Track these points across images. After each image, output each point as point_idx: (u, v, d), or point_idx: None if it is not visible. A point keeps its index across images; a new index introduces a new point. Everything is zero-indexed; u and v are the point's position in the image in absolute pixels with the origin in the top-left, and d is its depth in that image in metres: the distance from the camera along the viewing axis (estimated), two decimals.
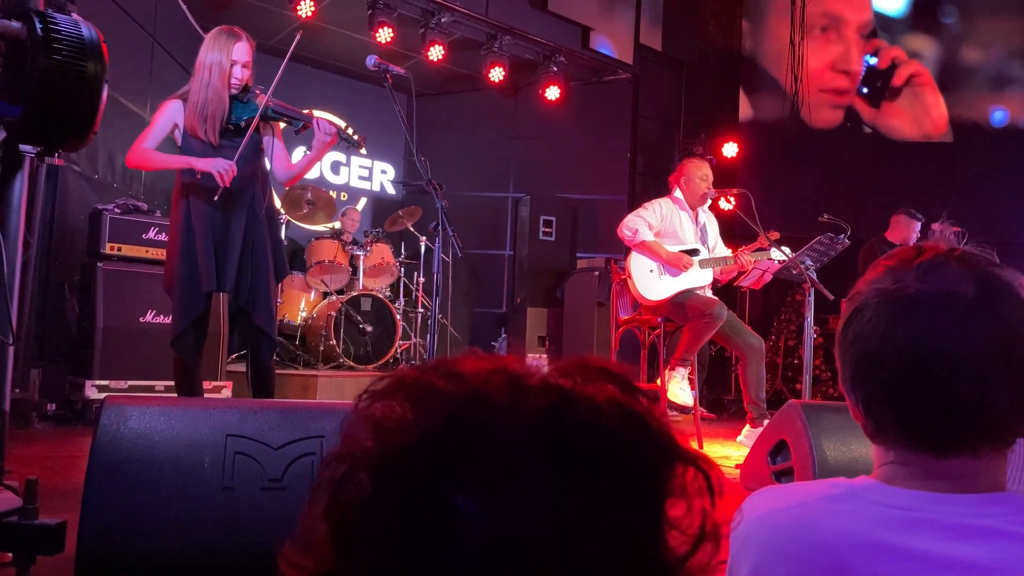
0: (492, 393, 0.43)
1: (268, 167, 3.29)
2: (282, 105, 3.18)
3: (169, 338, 3.16)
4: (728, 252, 4.70)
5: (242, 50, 3.11)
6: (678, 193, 4.71)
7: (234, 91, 3.12)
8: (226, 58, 3.08)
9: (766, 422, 4.30)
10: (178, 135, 3.16)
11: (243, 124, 3.11)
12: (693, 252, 4.60)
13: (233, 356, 5.30)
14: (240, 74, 3.11)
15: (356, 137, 3.25)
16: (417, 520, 0.39)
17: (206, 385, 4.73)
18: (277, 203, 5.04)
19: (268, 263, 3.16)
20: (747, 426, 4.44)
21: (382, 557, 0.40)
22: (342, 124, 3.45)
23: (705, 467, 0.45)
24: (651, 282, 4.54)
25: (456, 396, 0.43)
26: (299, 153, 6.22)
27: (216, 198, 3.02)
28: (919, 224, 6.02)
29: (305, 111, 3.30)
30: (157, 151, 3.12)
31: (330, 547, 0.41)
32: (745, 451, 4.02)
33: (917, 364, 0.75)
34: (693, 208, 4.70)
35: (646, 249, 4.54)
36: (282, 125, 3.27)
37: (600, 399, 0.43)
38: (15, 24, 1.67)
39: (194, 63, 3.15)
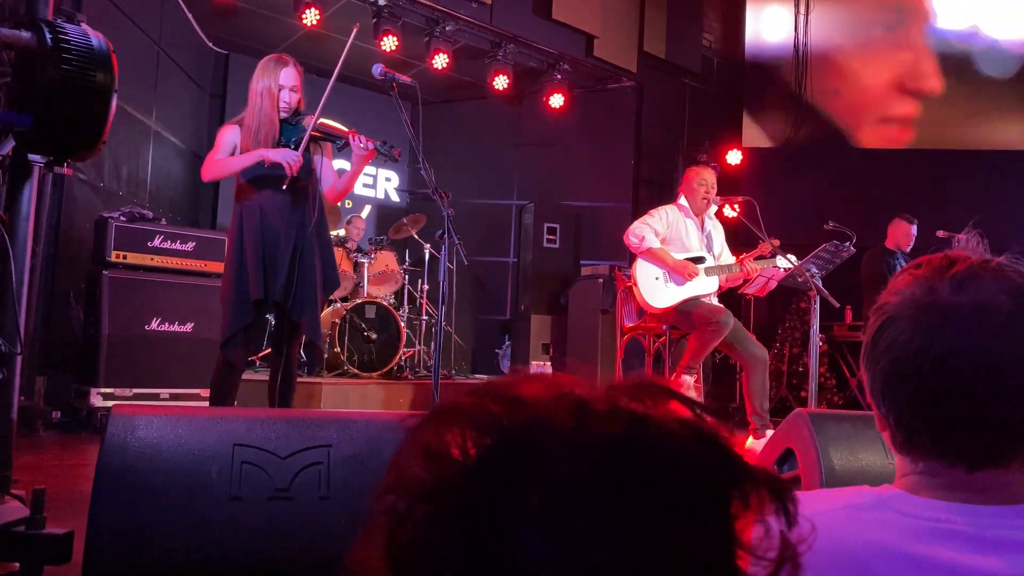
0: (555, 419, 0.40)
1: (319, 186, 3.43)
2: (325, 125, 3.34)
3: (219, 342, 3.29)
4: (733, 260, 4.69)
5: (289, 75, 3.27)
6: (683, 200, 4.72)
7: (284, 115, 3.29)
8: (274, 84, 3.24)
9: (769, 432, 4.29)
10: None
11: (292, 145, 3.25)
12: (698, 260, 4.59)
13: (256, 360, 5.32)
14: (288, 98, 3.28)
15: (393, 151, 3.35)
16: (482, 557, 0.37)
17: (209, 393, 4.75)
18: None
19: (316, 277, 3.30)
20: (750, 438, 4.42)
21: None
22: (343, 127, 3.56)
23: (780, 488, 0.43)
24: (657, 289, 4.54)
25: (516, 423, 0.40)
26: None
27: (284, 187, 3.19)
28: (915, 227, 6.03)
29: (346, 128, 3.45)
30: (225, 157, 3.27)
31: None
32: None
33: (954, 376, 0.74)
34: (698, 215, 4.69)
35: (652, 256, 4.54)
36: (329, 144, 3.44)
37: (673, 423, 0.41)
38: (25, 34, 1.67)
39: (248, 91, 3.33)
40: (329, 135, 3.34)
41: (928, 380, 0.75)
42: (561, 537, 0.37)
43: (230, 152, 3.29)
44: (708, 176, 4.69)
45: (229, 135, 3.29)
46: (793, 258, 4.52)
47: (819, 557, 0.74)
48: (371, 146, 3.24)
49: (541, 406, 0.41)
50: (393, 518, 0.40)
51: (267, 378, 3.49)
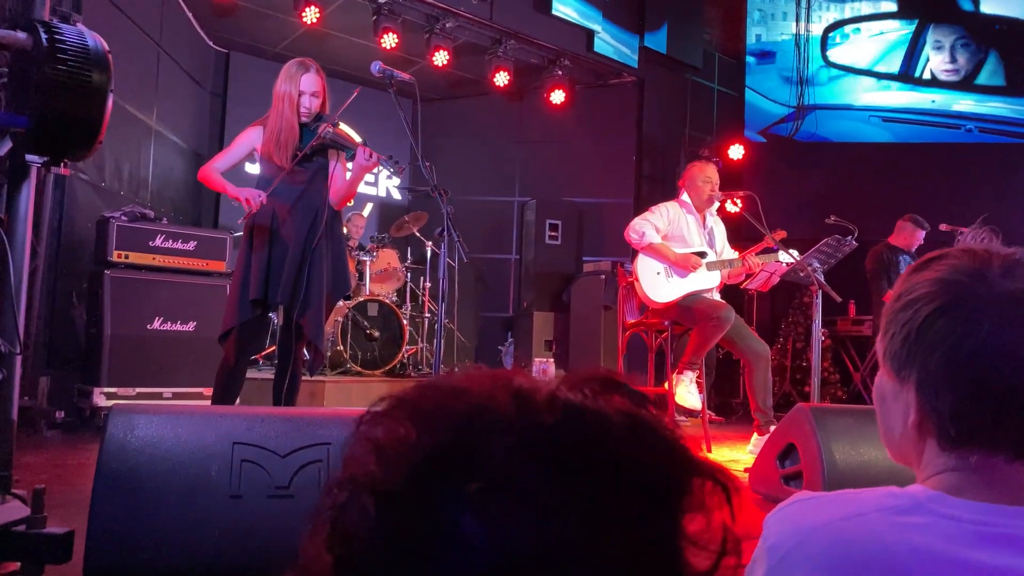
0: (497, 409, 0.41)
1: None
2: (338, 133, 3.37)
3: (216, 348, 3.38)
4: (736, 255, 4.68)
5: (310, 80, 3.31)
6: (685, 196, 4.70)
7: (304, 119, 3.32)
8: (294, 89, 3.29)
9: (773, 428, 4.29)
10: (256, 158, 3.44)
11: (309, 151, 3.32)
12: (700, 255, 4.58)
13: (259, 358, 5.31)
14: (308, 103, 3.31)
15: (397, 166, 3.36)
16: (422, 544, 0.38)
17: (211, 392, 4.76)
18: None
19: (324, 280, 3.34)
20: (755, 435, 4.42)
21: None
22: (357, 136, 3.56)
23: (723, 479, 0.43)
24: (658, 284, 4.53)
25: (460, 413, 0.41)
26: None
27: (240, 221, 3.35)
28: (924, 232, 6.00)
29: (359, 138, 3.50)
30: (217, 174, 3.33)
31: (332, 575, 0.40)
32: (754, 455, 4.00)
33: (1021, 363, 0.73)
34: (700, 211, 4.68)
35: (653, 252, 4.53)
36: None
37: (610, 412, 0.42)
38: (21, 35, 1.67)
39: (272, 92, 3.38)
40: (338, 144, 3.38)
41: (999, 368, 0.74)
42: (496, 523, 0.38)
43: (246, 152, 3.39)
44: (712, 173, 4.68)
45: (251, 136, 3.36)
46: (795, 253, 4.51)
47: (859, 563, 0.71)
48: (375, 159, 3.27)
49: (485, 397, 0.42)
50: (341, 511, 0.40)
51: (271, 377, 3.52)
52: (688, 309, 4.45)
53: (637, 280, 4.58)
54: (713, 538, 0.42)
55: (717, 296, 4.62)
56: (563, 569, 0.38)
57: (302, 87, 3.29)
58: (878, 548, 0.72)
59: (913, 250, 6.01)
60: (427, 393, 0.43)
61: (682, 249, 4.56)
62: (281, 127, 3.28)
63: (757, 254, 4.60)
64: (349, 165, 3.44)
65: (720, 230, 4.78)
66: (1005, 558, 0.69)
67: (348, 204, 7.66)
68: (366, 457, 0.41)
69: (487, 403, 0.42)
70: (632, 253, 4.69)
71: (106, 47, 1.73)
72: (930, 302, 0.78)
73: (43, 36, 1.66)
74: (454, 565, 0.38)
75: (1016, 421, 0.74)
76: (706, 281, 4.52)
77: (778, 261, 4.57)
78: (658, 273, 4.54)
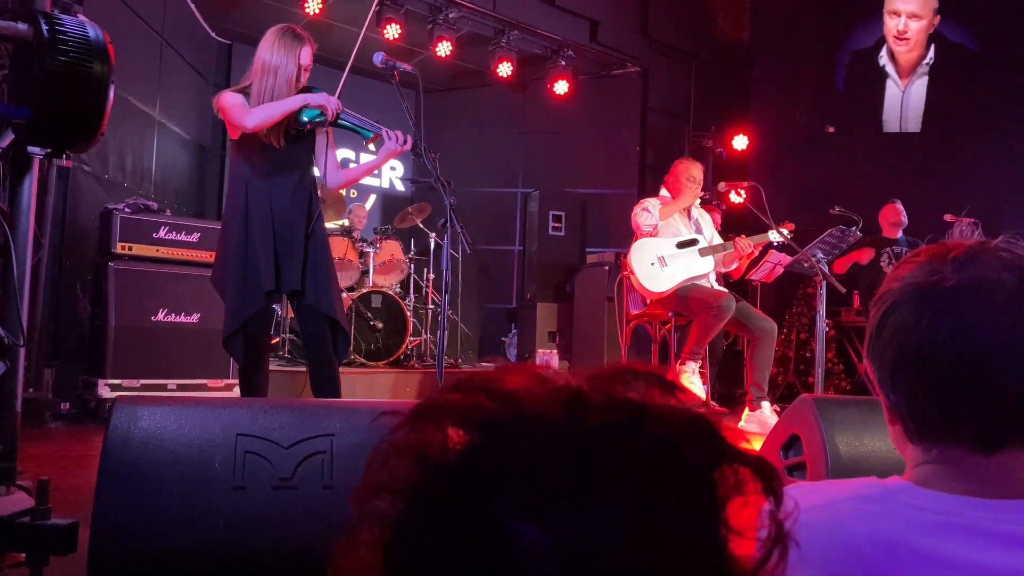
0: (548, 411, 0.40)
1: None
2: (353, 115, 3.15)
3: (221, 333, 3.05)
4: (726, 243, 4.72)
5: (308, 54, 3.08)
6: (665, 193, 4.76)
7: None
8: (293, 62, 3.03)
9: (765, 405, 4.32)
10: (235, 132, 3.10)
11: (307, 129, 3.07)
12: (692, 242, 4.61)
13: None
14: (303, 79, 3.08)
15: (428, 151, 3.19)
16: (478, 553, 0.37)
17: (216, 384, 4.77)
18: None
19: (329, 260, 3.14)
20: (746, 410, 4.45)
21: None
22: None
23: (766, 468, 0.43)
24: (654, 274, 4.54)
25: (506, 417, 0.40)
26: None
27: (306, 130, 3.02)
28: (898, 204, 6.05)
29: (375, 121, 3.22)
30: (270, 103, 2.99)
31: None
32: (759, 444, 4.00)
33: (964, 355, 0.74)
34: (686, 208, 4.74)
35: (664, 214, 4.59)
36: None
37: (666, 410, 0.42)
38: (22, 26, 1.67)
39: (254, 60, 3.07)
40: (360, 126, 3.14)
41: (940, 361, 0.75)
42: (559, 529, 0.37)
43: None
44: (697, 172, 4.74)
45: (241, 100, 3.03)
46: (785, 231, 4.51)
47: (824, 549, 0.73)
48: (409, 143, 3.07)
49: (531, 399, 0.41)
50: (386, 522, 0.39)
51: (287, 368, 3.39)
52: (686, 299, 4.46)
53: (632, 273, 4.59)
54: (763, 527, 0.42)
55: (715, 284, 4.64)
56: (624, 568, 0.37)
57: (302, 60, 3.05)
58: (840, 534, 0.74)
59: (899, 233, 6.04)
60: (470, 396, 0.42)
61: (672, 238, 4.63)
62: (273, 102, 2.98)
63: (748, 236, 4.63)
64: (371, 147, 3.26)
65: (707, 221, 4.84)
66: (966, 548, 0.70)
67: (349, 189, 7.63)
68: (405, 463, 0.40)
69: (537, 406, 0.40)
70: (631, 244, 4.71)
71: (107, 38, 1.72)
72: (887, 300, 0.79)
73: (44, 27, 1.66)
74: (512, 573, 0.37)
75: (966, 413, 0.75)
76: (700, 267, 4.54)
77: (769, 240, 4.60)
78: (652, 264, 4.55)
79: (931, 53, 7.67)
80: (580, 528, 0.37)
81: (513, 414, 0.40)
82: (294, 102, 3.00)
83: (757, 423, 4.32)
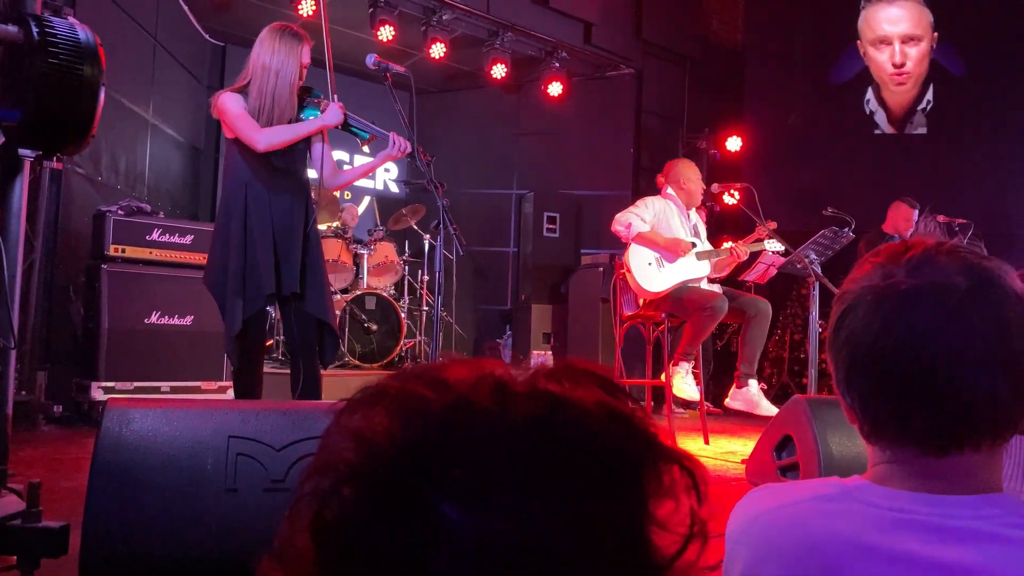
0: (479, 400, 0.42)
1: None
2: (357, 118, 3.15)
3: (221, 336, 3.05)
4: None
5: (307, 54, 3.07)
6: (671, 191, 4.74)
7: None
8: (295, 62, 3.01)
9: (752, 383, 4.32)
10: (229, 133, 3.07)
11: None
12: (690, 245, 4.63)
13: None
14: (302, 78, 3.07)
15: (424, 154, 3.19)
16: (406, 533, 0.39)
17: (210, 386, 4.76)
18: None
19: (323, 262, 3.16)
20: (733, 387, 4.45)
21: (370, 571, 0.39)
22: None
23: (690, 466, 0.45)
24: (650, 275, 4.55)
25: (442, 404, 0.42)
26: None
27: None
28: (916, 211, 5.99)
29: (374, 124, 3.22)
30: (286, 125, 3.01)
31: (314, 563, 0.40)
32: (751, 444, 4.01)
33: (914, 358, 0.74)
34: (688, 207, 4.75)
35: (643, 240, 4.54)
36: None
37: (588, 402, 0.43)
38: (12, 28, 1.67)
39: (251, 59, 3.04)
40: (365, 129, 3.15)
41: (890, 365, 0.75)
42: (482, 514, 0.39)
43: None
44: (697, 171, 4.77)
45: (242, 103, 3.00)
46: (782, 242, 4.53)
47: (786, 548, 0.75)
48: (407, 148, 3.08)
49: (467, 388, 0.43)
50: (318, 498, 0.41)
51: (282, 371, 3.40)
52: (681, 300, 4.47)
53: (629, 272, 4.59)
54: (681, 522, 0.43)
55: (707, 286, 4.65)
56: (546, 554, 0.39)
57: (304, 60, 3.03)
58: (801, 534, 0.75)
59: (907, 235, 5.99)
60: (408, 384, 0.44)
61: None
62: (274, 103, 2.98)
63: (747, 244, 4.64)
64: (366, 149, 3.28)
65: (701, 226, 4.85)
66: (922, 544, 0.71)
67: (343, 191, 7.62)
68: (345, 446, 0.42)
69: (469, 395, 0.42)
70: (625, 246, 4.71)
71: (98, 40, 1.72)
72: (845, 301, 0.80)
73: (34, 30, 1.65)
74: (440, 554, 0.38)
75: (916, 418, 0.75)
76: (696, 270, 4.56)
77: (766, 250, 4.61)
78: (649, 264, 4.56)
79: (929, 93, 7.47)
80: (502, 514, 0.39)
81: (446, 402, 0.42)
82: (311, 127, 3.05)
83: (743, 400, 4.32)
